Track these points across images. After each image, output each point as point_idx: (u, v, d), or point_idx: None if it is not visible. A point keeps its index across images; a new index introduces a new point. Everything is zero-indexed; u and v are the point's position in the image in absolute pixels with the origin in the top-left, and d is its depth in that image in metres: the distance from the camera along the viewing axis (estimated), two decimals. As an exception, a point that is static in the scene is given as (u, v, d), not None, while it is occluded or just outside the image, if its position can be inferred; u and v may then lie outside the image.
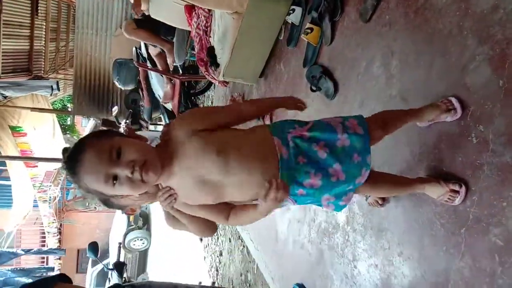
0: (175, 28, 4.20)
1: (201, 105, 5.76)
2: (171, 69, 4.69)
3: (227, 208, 1.29)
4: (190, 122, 1.19)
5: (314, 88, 2.60)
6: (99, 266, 10.53)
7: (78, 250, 15.41)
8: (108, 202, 1.14)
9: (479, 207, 1.45)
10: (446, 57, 1.63)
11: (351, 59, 2.32)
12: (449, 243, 1.57)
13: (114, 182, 1.05)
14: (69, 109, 13.57)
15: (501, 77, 1.39)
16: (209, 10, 3.47)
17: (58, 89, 7.68)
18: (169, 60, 4.56)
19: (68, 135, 16.72)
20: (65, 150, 1.08)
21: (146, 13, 3.85)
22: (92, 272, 11.07)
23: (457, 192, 1.50)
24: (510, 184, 1.34)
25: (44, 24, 8.68)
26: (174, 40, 4.24)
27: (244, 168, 1.16)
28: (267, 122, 3.13)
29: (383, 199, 1.93)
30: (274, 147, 1.20)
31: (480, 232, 1.44)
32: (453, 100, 1.53)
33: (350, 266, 2.18)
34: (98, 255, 4.51)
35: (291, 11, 2.78)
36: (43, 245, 13.72)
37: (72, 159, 1.05)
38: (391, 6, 2.00)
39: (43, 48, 8.81)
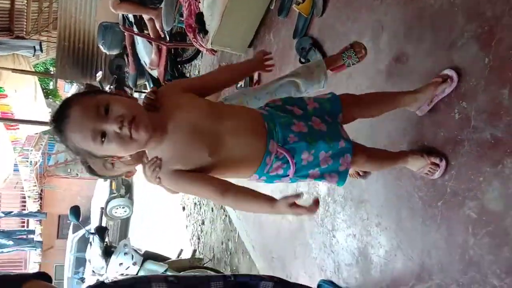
0: (160, 0, 4.14)
1: (188, 74, 5.68)
2: (162, 35, 4.59)
3: (224, 184, 1.20)
4: (178, 85, 1.29)
5: (303, 60, 2.58)
6: (81, 232, 10.57)
7: (59, 216, 15.37)
8: (94, 167, 1.14)
9: (457, 181, 1.50)
10: (435, 33, 1.64)
11: (341, 32, 2.31)
12: (426, 215, 1.62)
13: (103, 139, 1.01)
14: (52, 73, 13.24)
15: (487, 55, 1.41)
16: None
17: (41, 50, 7.46)
18: (157, 25, 4.46)
19: (51, 100, 16.36)
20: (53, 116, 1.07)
21: None
22: (73, 238, 11.11)
23: (438, 165, 1.54)
24: (488, 160, 1.39)
25: (26, -18, 8.33)
26: (163, 4, 4.13)
27: (235, 114, 1.23)
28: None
29: (365, 171, 1.97)
30: (256, 111, 1.31)
31: (456, 205, 1.49)
32: (446, 71, 1.53)
33: (329, 235, 2.24)
34: (80, 220, 4.50)
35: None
36: (24, 209, 13.63)
37: (59, 117, 1.03)
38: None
39: (25, 7, 8.46)
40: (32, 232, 12.44)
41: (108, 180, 11.62)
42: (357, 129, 1.83)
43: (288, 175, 1.27)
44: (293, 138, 1.23)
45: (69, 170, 15.29)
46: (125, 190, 11.68)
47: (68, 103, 1.04)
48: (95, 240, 4.14)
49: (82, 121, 1.00)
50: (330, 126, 1.32)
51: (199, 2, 3.46)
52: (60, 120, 1.03)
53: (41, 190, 14.12)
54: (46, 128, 12.33)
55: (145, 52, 5.14)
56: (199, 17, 3.45)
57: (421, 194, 1.65)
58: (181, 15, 4.06)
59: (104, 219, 10.33)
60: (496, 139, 1.36)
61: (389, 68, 1.89)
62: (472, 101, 1.45)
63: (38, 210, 13.28)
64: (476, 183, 1.42)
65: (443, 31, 1.60)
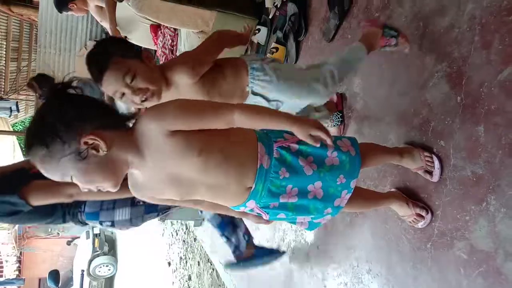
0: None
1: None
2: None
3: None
4: (168, 121, 0.99)
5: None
6: (62, 296, 10.03)
7: (40, 280, 14.63)
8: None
9: (443, 221, 1.47)
10: (407, 74, 1.67)
11: (316, 77, 2.34)
12: (416, 258, 1.57)
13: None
14: (31, 131, 13.07)
15: (459, 94, 1.43)
16: (175, 29, 3.45)
17: (18, 110, 7.39)
18: None
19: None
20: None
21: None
22: (54, 302, 10.52)
23: (423, 217, 1.51)
24: (471, 198, 1.37)
25: (5, 43, 8.41)
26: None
27: (222, 171, 1.06)
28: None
29: None
30: (256, 153, 1.10)
31: (445, 246, 1.45)
32: (435, 161, 1.48)
33: (320, 285, 2.15)
34: (60, 284, 4.28)
35: (257, 31, 2.81)
36: (0, 275, 12.96)
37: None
38: (352, 26, 2.04)
39: (4, 68, 8.52)
40: (9, 300, 11.80)
41: (91, 238, 11.24)
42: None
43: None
44: (274, 204, 1.17)
45: (49, 230, 14.76)
46: (109, 247, 11.29)
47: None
48: (76, 306, 3.92)
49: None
50: (329, 194, 1.19)
51: (176, 55, 3.51)
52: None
53: (20, 253, 13.52)
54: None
55: (125, 107, 5.15)
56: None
57: (409, 237, 1.60)
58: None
59: (87, 279, 9.87)
60: (477, 177, 1.35)
61: (363, 110, 1.90)
62: (450, 139, 1.46)
63: (16, 275, 12.64)
64: (462, 222, 1.39)
65: (414, 72, 1.63)
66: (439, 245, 1.48)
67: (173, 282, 5.42)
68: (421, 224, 1.53)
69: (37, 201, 1.62)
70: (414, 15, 1.66)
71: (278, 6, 2.63)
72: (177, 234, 5.59)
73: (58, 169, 0.94)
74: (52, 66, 7.20)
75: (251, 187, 1.11)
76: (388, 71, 1.77)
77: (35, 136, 0.93)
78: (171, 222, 5.76)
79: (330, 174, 1.17)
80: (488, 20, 1.35)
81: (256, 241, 2.96)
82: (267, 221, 1.27)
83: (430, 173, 1.50)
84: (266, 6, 2.73)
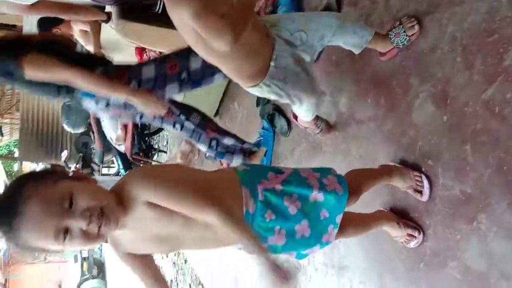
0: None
1: (156, 146, 5.63)
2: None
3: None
4: (146, 194, 0.97)
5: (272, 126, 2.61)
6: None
7: (26, 307, 14.24)
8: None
9: (435, 241, 1.47)
10: (392, 95, 1.68)
11: (302, 97, 2.35)
12: (409, 279, 1.56)
13: (65, 235, 0.88)
14: (16, 155, 12.88)
15: (444, 113, 1.45)
16: (160, 52, 3.45)
17: (2, 134, 7.29)
18: None
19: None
20: None
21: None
22: (41, 330, 10.25)
23: (414, 237, 1.51)
24: (462, 217, 1.37)
25: (-12, 67, 8.33)
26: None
27: (206, 225, 1.01)
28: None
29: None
30: (241, 199, 1.08)
31: (438, 266, 1.44)
32: (424, 181, 1.49)
33: (314, 307, 2.12)
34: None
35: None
36: (-14, 304, 12.57)
37: (8, 209, 0.85)
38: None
39: (-13, 92, 8.42)
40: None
41: (79, 261, 11.00)
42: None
43: None
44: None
45: (36, 255, 14.43)
46: (98, 270, 11.06)
47: (21, 194, 0.85)
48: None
49: (43, 219, 0.85)
50: (315, 230, 1.18)
51: (161, 77, 3.50)
52: (10, 214, 0.84)
53: (5, 280, 13.15)
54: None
55: (111, 127, 5.10)
56: (163, 91, 3.48)
57: (402, 257, 1.59)
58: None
59: (76, 305, 9.64)
60: (466, 196, 1.35)
61: (352, 133, 1.91)
62: (438, 159, 1.46)
63: (1, 303, 12.28)
64: (454, 242, 1.39)
65: (399, 92, 1.65)
66: (432, 265, 1.47)
67: (164, 306, 5.30)
68: (413, 244, 1.52)
69: (32, 74, 1.59)
70: (397, 36, 1.68)
71: None
72: (167, 256, 5.50)
73: None
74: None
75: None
76: (373, 91, 1.78)
77: None
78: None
79: (313, 209, 1.16)
80: (469, 41, 1.37)
81: (248, 265, 2.92)
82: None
83: (420, 192, 1.50)
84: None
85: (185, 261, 4.59)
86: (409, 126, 1.58)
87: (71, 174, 0.99)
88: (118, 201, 0.96)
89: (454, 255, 1.39)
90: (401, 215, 1.59)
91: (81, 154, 6.00)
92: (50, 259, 14.40)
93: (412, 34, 1.55)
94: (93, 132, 5.68)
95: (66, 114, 5.62)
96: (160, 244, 1.05)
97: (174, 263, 5.07)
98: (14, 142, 12.92)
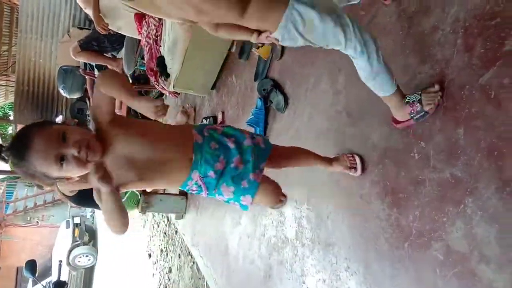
0: (121, 43, 4.14)
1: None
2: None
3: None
4: (101, 117, 1.28)
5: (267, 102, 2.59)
6: (39, 286, 9.92)
7: (17, 268, 14.42)
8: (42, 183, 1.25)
9: (421, 222, 1.48)
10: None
11: (300, 74, 2.33)
12: (393, 257, 1.59)
13: (62, 162, 1.15)
14: (11, 118, 12.79)
15: (440, 96, 1.44)
16: (160, 19, 3.39)
17: (-3, 96, 7.20)
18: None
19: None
20: (1, 146, 1.18)
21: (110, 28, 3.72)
22: (32, 291, 10.40)
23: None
24: (449, 200, 1.38)
25: (-16, 27, 8.16)
26: (123, 49, 4.11)
27: (167, 147, 1.35)
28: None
29: None
30: (192, 135, 1.42)
31: (423, 247, 1.46)
32: (356, 158, 1.79)
33: (299, 281, 2.16)
34: (37, 274, 4.21)
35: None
36: (-23, 264, 12.73)
37: (20, 145, 1.15)
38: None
39: (-17, 52, 8.27)
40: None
41: (71, 227, 11.09)
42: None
43: (203, 195, 1.50)
44: (212, 174, 1.41)
45: (29, 218, 14.52)
46: (89, 237, 11.18)
47: (28, 133, 1.16)
48: (53, 297, 3.86)
49: (46, 148, 1.14)
50: (246, 167, 1.47)
51: (160, 46, 3.45)
52: (21, 147, 1.14)
53: (-2, 241, 13.29)
54: (3, 176, 11.75)
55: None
56: (160, 60, 3.44)
57: (387, 236, 1.62)
58: (143, 58, 4.05)
59: (66, 269, 9.76)
60: (456, 179, 1.36)
61: (346, 108, 1.90)
62: (430, 141, 1.46)
63: (-7, 264, 12.43)
64: (440, 224, 1.41)
65: (396, 72, 1.63)
66: (416, 245, 1.49)
67: (153, 274, 5.39)
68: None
69: None
70: (399, 15, 1.66)
71: None
72: (158, 226, 5.56)
73: None
74: (33, 51, 7.02)
75: (192, 158, 1.37)
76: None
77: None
78: (153, 214, 5.72)
79: (246, 152, 1.47)
80: (472, 23, 1.35)
81: (237, 237, 2.96)
82: None
83: (354, 168, 1.78)
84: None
85: (176, 232, 4.64)
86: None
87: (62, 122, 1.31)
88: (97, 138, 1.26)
89: (439, 237, 1.41)
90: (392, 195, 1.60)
91: (76, 120, 5.97)
92: (42, 224, 14.52)
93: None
94: (88, 99, 5.64)
95: (62, 78, 5.57)
96: (132, 166, 1.30)
97: (165, 233, 5.13)
98: (9, 105, 12.82)
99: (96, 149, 1.21)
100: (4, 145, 1.19)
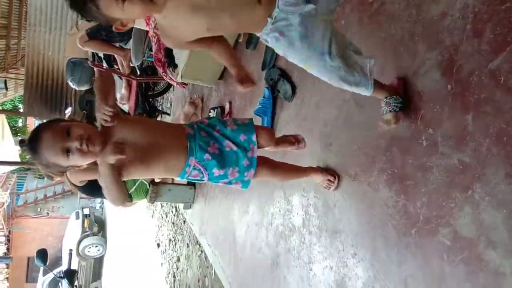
0: (129, 34, 4.13)
1: (160, 107, 5.64)
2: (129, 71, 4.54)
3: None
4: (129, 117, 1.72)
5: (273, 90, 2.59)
6: (51, 275, 10.07)
7: (28, 258, 14.64)
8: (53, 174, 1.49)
9: (429, 208, 1.49)
10: (398, 61, 1.66)
11: (308, 62, 2.33)
12: (400, 244, 1.59)
13: (68, 154, 1.38)
14: (20, 110, 12.93)
15: (449, 82, 1.43)
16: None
17: (6, 88, 7.29)
18: (125, 65, 4.37)
19: (20, 138, 15.89)
20: (22, 140, 1.44)
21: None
22: (43, 281, 10.57)
23: (332, 181, 1.98)
24: (457, 186, 1.38)
25: (-6, 20, 8.22)
26: (131, 40, 4.12)
27: (165, 138, 1.57)
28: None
29: None
30: (184, 129, 1.65)
31: (430, 233, 1.47)
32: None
33: (306, 268, 2.18)
34: (47, 263, 4.28)
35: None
36: (-11, 254, 12.95)
37: (34, 141, 1.39)
38: (346, 11, 2.03)
39: (-8, 45, 8.34)
40: (-3, 276, 11.81)
41: (80, 218, 11.24)
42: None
43: (204, 180, 1.68)
44: (207, 157, 1.60)
45: (39, 210, 14.73)
46: (98, 227, 11.32)
47: (39, 130, 1.41)
48: (64, 284, 3.92)
49: (53, 142, 1.37)
50: (240, 147, 1.66)
51: (168, 36, 3.46)
52: (34, 142, 1.39)
53: (9, 232, 13.49)
54: (15, 167, 11.91)
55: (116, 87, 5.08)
56: (168, 51, 3.45)
57: (395, 223, 1.62)
58: (151, 49, 4.05)
59: (76, 259, 9.91)
60: (464, 165, 1.36)
61: (354, 96, 1.90)
62: (438, 127, 1.46)
63: (4, 253, 12.63)
64: (447, 210, 1.41)
65: (406, 59, 1.63)
66: (423, 232, 1.50)
67: (162, 264, 5.46)
68: (332, 188, 1.98)
69: None
70: (407, 2, 1.65)
71: None
72: (166, 216, 5.61)
73: None
74: (42, 45, 7.07)
75: (187, 146, 1.59)
76: (379, 58, 1.76)
77: None
78: (161, 204, 5.78)
79: (232, 134, 1.67)
80: (481, 8, 1.34)
81: (245, 226, 2.99)
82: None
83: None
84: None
85: (184, 221, 4.68)
86: (413, 94, 1.58)
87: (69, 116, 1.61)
88: (100, 134, 1.48)
89: (446, 223, 1.41)
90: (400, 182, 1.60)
91: (84, 112, 6.02)
92: (53, 215, 14.70)
93: None
94: (97, 90, 5.67)
95: (70, 70, 5.60)
96: (135, 154, 1.49)
97: (173, 223, 5.18)
98: (19, 98, 12.93)
99: (96, 141, 1.41)
100: (24, 139, 1.44)
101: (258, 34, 1.37)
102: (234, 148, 1.65)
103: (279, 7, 1.26)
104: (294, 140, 2.06)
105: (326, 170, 2.03)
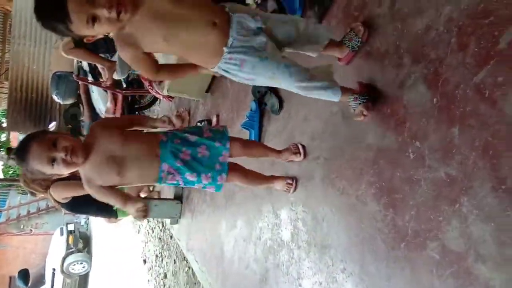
0: (114, 47, 4.06)
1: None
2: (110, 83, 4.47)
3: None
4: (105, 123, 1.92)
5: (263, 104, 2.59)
6: (33, 294, 9.78)
7: (10, 278, 14.22)
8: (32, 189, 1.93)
9: (417, 221, 1.48)
10: (384, 74, 1.67)
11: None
12: (389, 258, 1.58)
13: (53, 163, 1.52)
14: (3, 125, 12.70)
15: (435, 95, 1.44)
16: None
17: (-10, 102, 7.14)
18: (108, 76, 4.29)
19: (2, 153, 15.58)
20: (10, 148, 1.80)
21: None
22: (25, 300, 10.25)
23: (291, 184, 2.17)
24: (444, 199, 1.38)
25: (-23, 33, 8.12)
26: (117, 54, 4.09)
27: (137, 146, 1.69)
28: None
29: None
30: (158, 137, 1.75)
31: (419, 247, 1.46)
32: (299, 145, 2.15)
33: (295, 284, 2.15)
34: (29, 283, 4.14)
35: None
36: (-31, 273, 12.56)
37: (21, 151, 1.53)
38: (332, 24, 2.04)
39: (-25, 58, 8.22)
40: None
41: (65, 234, 10.99)
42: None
43: (180, 184, 1.81)
44: (179, 163, 1.72)
45: (22, 227, 14.36)
46: (83, 244, 11.09)
47: (27, 141, 1.55)
48: (46, 304, 3.81)
49: (40, 152, 1.51)
50: (212, 153, 1.78)
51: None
52: (22, 151, 1.53)
53: (-9, 250, 13.12)
54: (-3, 183, 11.63)
55: (101, 100, 5.04)
56: (154, 64, 3.43)
57: (383, 236, 1.61)
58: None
59: (61, 277, 9.66)
60: (451, 178, 1.36)
61: (341, 109, 1.90)
62: (425, 140, 1.46)
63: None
64: (435, 223, 1.40)
65: (391, 72, 1.64)
66: (412, 246, 1.48)
67: (148, 280, 5.35)
68: (291, 191, 2.17)
69: None
70: (392, 16, 1.66)
71: (259, 2, 2.60)
72: (153, 232, 5.52)
73: None
74: (26, 58, 6.99)
75: (159, 154, 1.70)
76: (367, 71, 1.77)
77: None
78: (147, 219, 5.69)
79: (208, 140, 1.78)
80: (465, 22, 1.35)
81: (233, 240, 2.94)
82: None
83: (298, 153, 2.15)
84: (247, 2, 2.70)
85: (171, 237, 4.61)
86: (399, 107, 1.58)
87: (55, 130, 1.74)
88: (86, 144, 1.65)
89: (435, 236, 1.40)
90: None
91: (69, 125, 5.94)
92: (36, 232, 14.36)
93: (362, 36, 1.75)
94: (82, 104, 5.61)
95: (55, 84, 5.54)
96: (112, 165, 1.64)
97: (160, 238, 5.10)
98: (2, 112, 12.72)
99: (79, 153, 1.57)
100: (12, 147, 1.60)
101: (214, 70, 1.52)
102: (207, 154, 1.77)
103: (232, 36, 1.42)
104: (295, 150, 2.16)
105: (286, 177, 2.23)
